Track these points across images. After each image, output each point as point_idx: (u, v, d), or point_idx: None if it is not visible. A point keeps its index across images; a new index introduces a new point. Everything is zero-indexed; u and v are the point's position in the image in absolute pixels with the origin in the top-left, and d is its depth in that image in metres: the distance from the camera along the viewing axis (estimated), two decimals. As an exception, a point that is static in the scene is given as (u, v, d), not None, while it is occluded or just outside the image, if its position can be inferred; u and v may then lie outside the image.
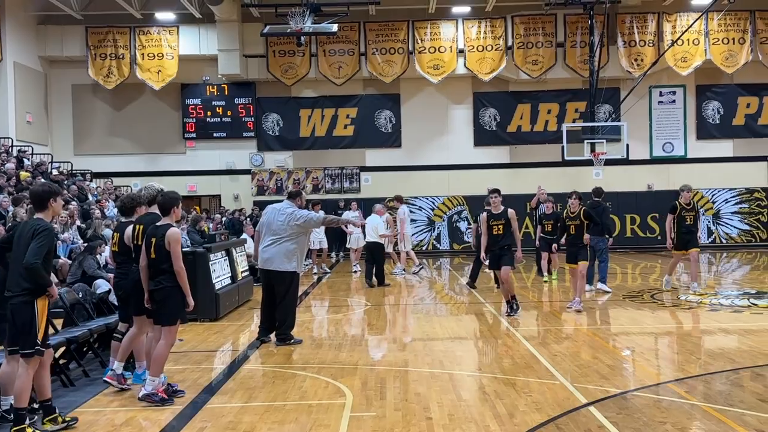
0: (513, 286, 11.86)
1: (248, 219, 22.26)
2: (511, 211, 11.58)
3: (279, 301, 9.70)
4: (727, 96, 25.68)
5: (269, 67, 24.93)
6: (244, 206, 24.90)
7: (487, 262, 12.03)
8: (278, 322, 9.77)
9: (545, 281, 15.89)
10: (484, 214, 11.87)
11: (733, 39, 24.40)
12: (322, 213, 12.25)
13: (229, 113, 25.74)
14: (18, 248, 5.99)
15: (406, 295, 15.36)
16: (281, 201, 10.34)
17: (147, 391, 6.89)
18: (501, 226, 11.48)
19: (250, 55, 24.92)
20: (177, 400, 7.01)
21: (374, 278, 16.13)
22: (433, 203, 25.67)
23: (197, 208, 25.50)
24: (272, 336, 9.83)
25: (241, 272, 13.97)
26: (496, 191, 11.87)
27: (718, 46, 24.42)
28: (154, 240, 6.94)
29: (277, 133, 25.92)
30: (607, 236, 14.38)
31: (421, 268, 18.90)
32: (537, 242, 16.13)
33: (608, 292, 14.08)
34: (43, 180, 17.62)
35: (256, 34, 23.55)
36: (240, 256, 14.28)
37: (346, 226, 18.31)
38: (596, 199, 14.63)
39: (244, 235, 17.73)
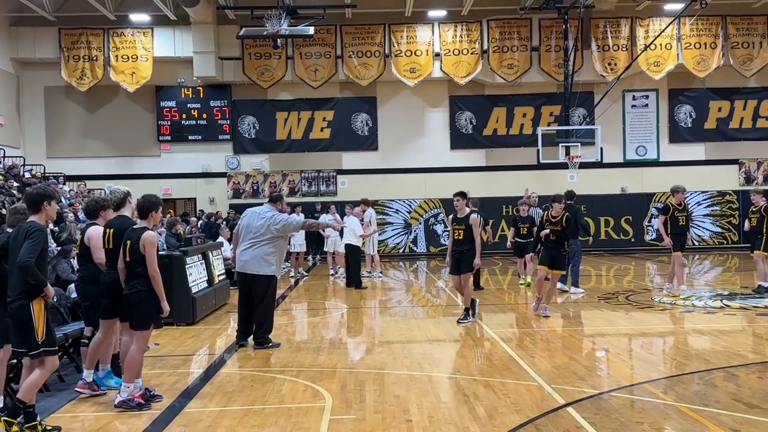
0: (470, 294, 11.58)
1: (225, 222, 22.14)
2: (473, 216, 11.18)
3: (257, 305, 9.66)
4: (699, 100, 26.04)
5: (245, 70, 24.82)
6: (220, 209, 24.77)
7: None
8: (256, 325, 9.73)
9: (521, 284, 15.84)
10: (450, 216, 11.66)
11: (705, 44, 24.77)
12: (302, 216, 12.22)
13: (204, 116, 25.59)
14: (14, 253, 6.04)
15: (383, 297, 15.37)
16: (260, 204, 10.32)
17: (122, 398, 6.83)
18: (462, 231, 11.09)
19: (226, 57, 24.80)
20: (154, 404, 6.95)
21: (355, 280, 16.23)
22: (410, 206, 25.72)
23: (172, 211, 25.33)
24: (250, 340, 9.78)
25: (218, 276, 13.90)
26: (460, 194, 11.33)
27: (690, 50, 24.77)
28: (129, 243, 6.89)
29: (253, 136, 25.82)
30: (588, 237, 14.68)
31: (380, 278, 18.64)
32: (509, 245, 15.90)
33: (582, 293, 14.21)
34: (38, 184, 17.37)
35: (231, 36, 23.44)
36: (217, 259, 14.20)
37: (324, 230, 18.29)
38: (568, 202, 14.88)
39: (220, 239, 17.64)
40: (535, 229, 14.94)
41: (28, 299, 5.99)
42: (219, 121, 25.65)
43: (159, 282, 6.88)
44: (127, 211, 7.41)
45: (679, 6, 22.98)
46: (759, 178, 25.93)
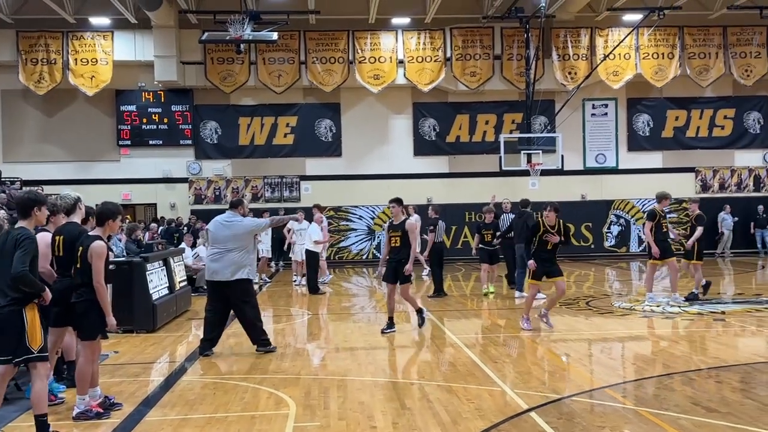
0: (415, 301, 11.56)
1: (187, 228, 21.94)
2: (410, 222, 11.04)
3: (239, 311, 9.70)
4: (657, 109, 26.54)
5: (207, 75, 24.62)
6: (181, 215, 24.49)
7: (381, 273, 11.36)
8: (250, 331, 9.73)
9: (485, 294, 15.35)
10: (386, 224, 11.29)
11: (663, 54, 25.27)
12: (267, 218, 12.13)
13: (165, 120, 25.30)
14: (2, 259, 5.93)
15: (347, 303, 15.34)
16: (223, 211, 10.28)
17: (80, 409, 6.72)
18: (398, 238, 10.81)
19: (188, 62, 24.57)
20: (114, 413, 6.84)
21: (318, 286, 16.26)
22: (374, 212, 25.74)
23: (130, 216, 24.97)
24: (213, 350, 9.71)
25: (179, 282, 13.74)
26: (396, 201, 11.10)
27: (648, 60, 25.25)
28: (80, 249, 6.75)
29: (215, 141, 25.60)
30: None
31: (325, 284, 18.57)
32: (474, 251, 15.78)
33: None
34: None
35: (194, 40, 23.25)
36: (178, 266, 14.04)
37: (290, 227, 18.31)
38: (523, 209, 15.18)
39: (183, 245, 17.46)
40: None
41: (20, 306, 5.91)
42: (180, 126, 25.39)
43: (104, 294, 6.68)
44: (77, 218, 7.22)
45: (638, 17, 23.43)
46: (715, 186, 26.51)
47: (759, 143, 26.77)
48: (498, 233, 15.28)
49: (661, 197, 13.76)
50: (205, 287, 16.91)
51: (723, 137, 26.66)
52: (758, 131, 26.72)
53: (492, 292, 15.28)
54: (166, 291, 12.64)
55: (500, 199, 16.96)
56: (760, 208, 25.84)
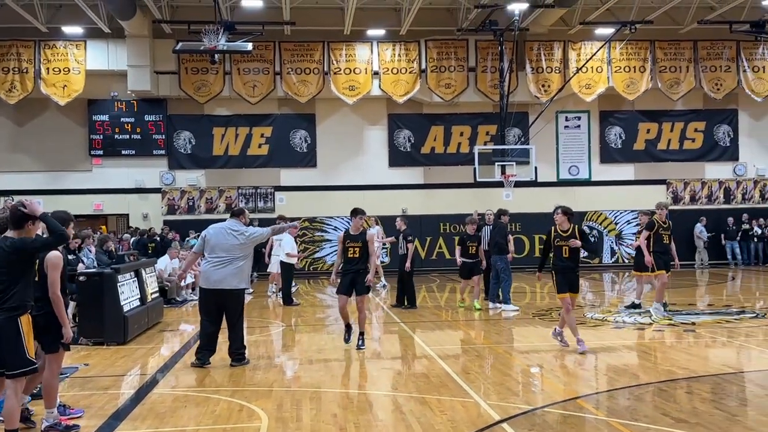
0: (365, 320, 11.03)
1: (159, 239, 21.76)
2: (370, 232, 10.90)
3: (235, 320, 9.61)
4: (629, 122, 26.87)
5: (181, 85, 24.49)
6: (154, 226, 24.27)
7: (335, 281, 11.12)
8: (235, 342, 9.65)
9: (460, 305, 15.07)
10: (341, 233, 11.01)
11: (634, 67, 25.61)
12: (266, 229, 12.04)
13: (138, 130, 25.10)
14: None
15: (321, 315, 15.29)
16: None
17: (48, 423, 6.60)
18: (357, 249, 10.57)
19: (162, 71, 24.42)
20: (84, 427, 6.73)
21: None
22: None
23: (104, 227, 24.72)
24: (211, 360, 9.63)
25: (151, 294, 13.60)
26: (355, 211, 10.92)
27: (620, 74, 25.57)
28: (37, 262, 6.64)
29: (189, 152, 25.44)
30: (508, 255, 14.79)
31: (274, 292, 18.44)
32: (459, 263, 15.00)
33: (516, 310, 14.41)
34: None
35: (167, 50, 23.12)
36: (150, 277, 13.90)
37: (267, 250, 18.18)
38: (498, 220, 15.19)
39: (165, 257, 17.33)
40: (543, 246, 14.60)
41: (16, 314, 5.89)
42: (154, 136, 25.21)
43: (61, 306, 6.58)
44: (37, 230, 7.10)
45: (610, 31, 23.75)
46: (686, 198, 26.86)
47: (729, 156, 27.19)
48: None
49: (659, 207, 13.32)
50: (182, 298, 17.03)
51: (694, 150, 27.05)
52: (728, 144, 27.15)
53: (478, 309, 14.59)
54: (137, 303, 12.50)
55: (483, 210, 16.80)
56: (730, 220, 26.22)
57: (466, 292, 15.47)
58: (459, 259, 14.91)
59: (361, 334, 10.81)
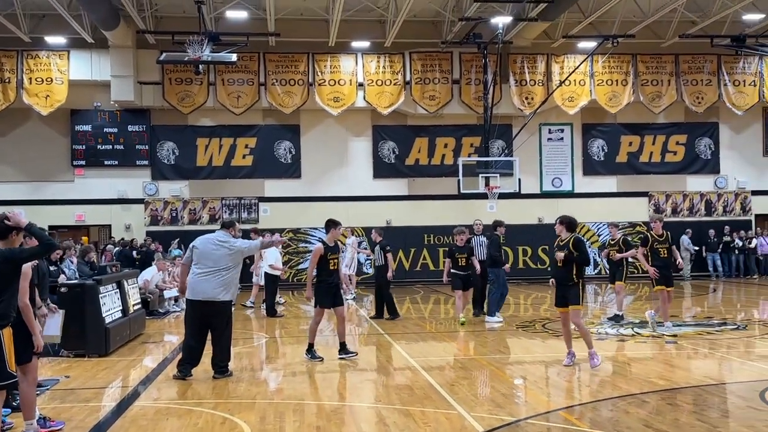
0: (344, 332, 10.98)
1: (145, 250, 21.63)
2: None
3: (221, 333, 9.53)
4: (611, 134, 27.09)
5: (165, 95, 24.42)
6: (136, 237, 24.12)
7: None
8: (220, 354, 9.57)
9: (462, 323, 13.98)
10: (319, 245, 10.80)
11: (617, 81, 25.85)
12: (257, 240, 12.01)
13: (121, 140, 24.99)
14: None
15: (304, 327, 15.21)
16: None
17: (27, 435, 6.53)
18: (336, 261, 10.81)
19: (145, 81, 24.34)
20: (63, 440, 6.66)
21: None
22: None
23: (86, 238, 24.53)
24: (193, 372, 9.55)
25: (133, 305, 13.50)
26: (332, 223, 10.99)
27: (603, 87, 25.80)
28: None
29: (172, 162, 25.34)
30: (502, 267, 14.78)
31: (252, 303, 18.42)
32: (445, 279, 14.39)
33: (500, 322, 14.39)
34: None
35: (151, 60, 23.06)
36: (132, 288, 13.80)
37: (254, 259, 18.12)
38: (495, 233, 15.05)
39: (153, 268, 17.23)
40: (474, 259, 14.34)
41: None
42: (137, 147, 25.10)
43: (30, 315, 6.56)
44: (21, 240, 7.04)
45: (592, 44, 23.97)
46: (668, 211, 27.06)
47: (710, 169, 27.46)
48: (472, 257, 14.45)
49: (654, 219, 13.23)
50: (164, 310, 16.91)
51: (675, 162, 27.29)
52: (709, 157, 27.42)
53: (463, 322, 14.05)
54: (119, 314, 12.41)
55: (472, 221, 16.74)
56: (712, 232, 26.44)
57: (464, 307, 14.59)
58: (447, 273, 14.28)
59: (343, 344, 10.82)
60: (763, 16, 23.26)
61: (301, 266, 25.49)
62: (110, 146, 24.96)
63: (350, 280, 19.98)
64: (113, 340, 11.63)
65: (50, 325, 10.12)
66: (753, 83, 26.38)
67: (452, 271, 14.21)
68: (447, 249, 15.17)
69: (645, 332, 12.75)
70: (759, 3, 22.38)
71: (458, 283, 14.17)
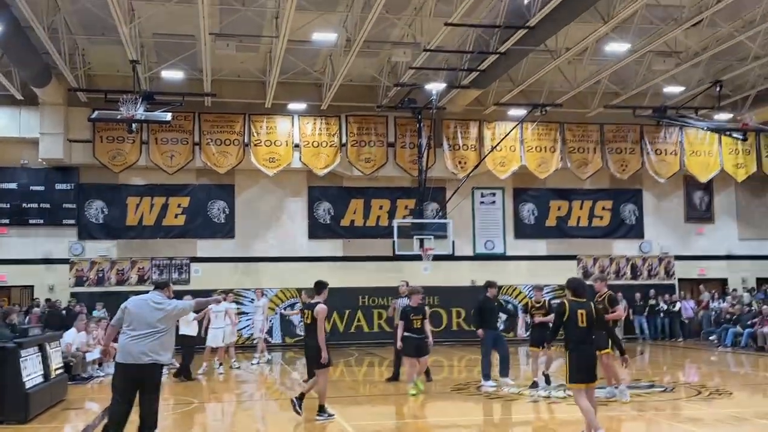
0: (325, 393, 10.85)
1: (66, 312, 20.88)
2: (320, 307, 10.60)
3: (149, 396, 9.07)
4: (541, 199, 27.79)
5: (96, 153, 23.93)
6: (60, 298, 23.25)
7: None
8: (147, 419, 9.07)
9: (412, 394, 12.86)
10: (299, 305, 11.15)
11: (545, 147, 26.67)
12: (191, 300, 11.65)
13: (48, 198, 24.29)
14: None
15: (237, 390, 14.84)
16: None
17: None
18: (309, 315, 10.80)
19: (75, 139, 23.82)
20: None
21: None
22: (266, 296, 25.25)
23: (6, 300, 23.53)
24: None
25: (55, 369, 12.92)
26: (318, 284, 11.07)
27: (532, 153, 26.56)
28: None
29: (101, 221, 24.70)
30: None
31: (216, 368, 17.85)
32: (399, 344, 13.27)
33: (493, 386, 13.87)
34: None
35: (83, 118, 22.63)
36: (54, 351, 13.23)
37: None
38: (486, 294, 14.62)
39: (72, 330, 16.56)
40: (427, 322, 13.28)
41: None
42: (64, 205, 24.38)
43: None
44: None
45: (522, 112, 24.77)
46: (596, 274, 27.68)
47: (635, 234, 28.34)
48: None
49: (594, 279, 13.20)
50: (88, 374, 16.21)
51: (602, 227, 28.11)
52: (634, 222, 28.35)
53: (419, 392, 12.92)
54: (41, 379, 11.85)
55: (397, 283, 16.62)
56: (638, 295, 27.15)
57: (418, 376, 13.33)
58: (401, 337, 13.12)
59: (321, 406, 10.79)
60: (683, 88, 24.50)
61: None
62: (36, 204, 24.17)
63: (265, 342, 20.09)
64: (34, 406, 11.08)
65: None
66: (674, 152, 27.57)
67: (405, 334, 13.07)
68: (401, 311, 13.82)
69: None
70: (679, 76, 23.59)
71: (410, 348, 13.06)
